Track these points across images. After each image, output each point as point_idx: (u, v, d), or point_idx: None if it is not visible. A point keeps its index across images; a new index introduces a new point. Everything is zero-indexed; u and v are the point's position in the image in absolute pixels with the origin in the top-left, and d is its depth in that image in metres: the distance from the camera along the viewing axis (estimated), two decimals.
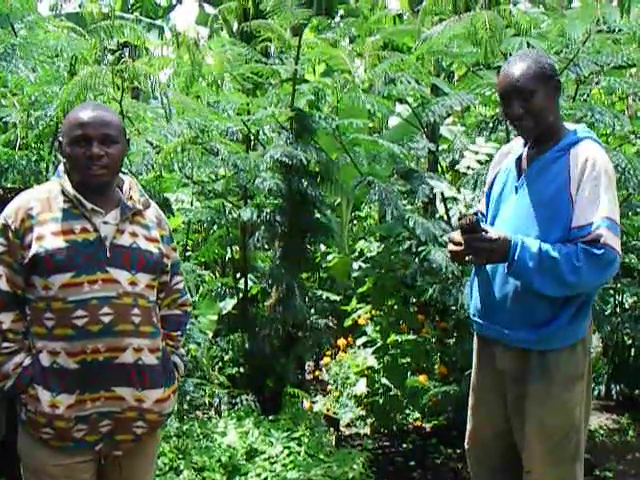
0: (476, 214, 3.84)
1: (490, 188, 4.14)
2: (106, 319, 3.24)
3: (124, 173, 3.59)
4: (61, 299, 3.22)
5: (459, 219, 3.80)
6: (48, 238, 3.24)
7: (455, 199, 6.69)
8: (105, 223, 3.34)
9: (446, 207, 7.23)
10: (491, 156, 4.17)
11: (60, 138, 3.41)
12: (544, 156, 3.84)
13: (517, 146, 4.08)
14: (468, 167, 6.20)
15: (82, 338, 3.22)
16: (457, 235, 3.85)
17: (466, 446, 4.28)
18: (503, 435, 4.06)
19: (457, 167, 6.47)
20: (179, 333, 3.69)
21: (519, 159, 3.98)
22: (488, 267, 3.94)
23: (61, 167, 3.46)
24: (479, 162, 6.15)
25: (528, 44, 5.97)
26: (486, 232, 3.75)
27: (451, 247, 3.91)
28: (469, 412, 4.24)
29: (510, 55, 6.14)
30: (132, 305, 3.32)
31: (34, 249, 3.22)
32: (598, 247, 3.63)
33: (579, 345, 3.87)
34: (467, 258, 3.89)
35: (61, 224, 3.28)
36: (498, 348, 3.97)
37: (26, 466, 3.38)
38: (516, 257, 3.69)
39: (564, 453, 3.87)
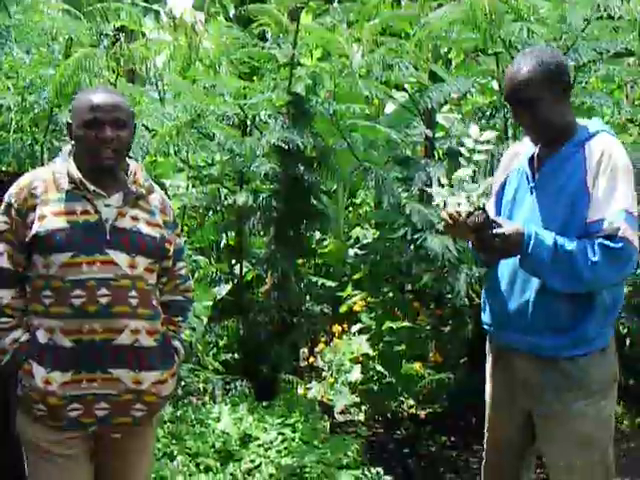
0: (484, 210, 3.67)
1: (501, 191, 3.98)
2: (103, 300, 3.26)
3: (130, 157, 3.59)
4: (60, 278, 3.25)
5: (467, 216, 3.63)
6: (49, 218, 3.27)
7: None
8: (107, 206, 3.36)
9: None
10: (489, 152, 4.03)
11: (69, 120, 3.43)
12: (559, 154, 3.70)
13: (526, 146, 3.93)
14: (467, 175, 6.13)
15: (78, 317, 3.24)
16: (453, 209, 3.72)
17: (483, 464, 4.14)
18: (520, 449, 3.95)
19: (455, 176, 6.39)
20: (180, 319, 3.70)
21: (532, 159, 3.83)
22: (506, 273, 3.79)
23: (66, 149, 3.48)
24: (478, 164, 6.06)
25: (528, 30, 5.93)
26: (498, 225, 3.59)
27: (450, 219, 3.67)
28: (486, 427, 4.08)
29: (510, 42, 6.11)
30: (130, 287, 3.34)
31: (35, 228, 3.26)
32: (616, 241, 3.48)
33: (608, 349, 3.77)
34: (481, 256, 3.83)
35: (63, 205, 3.31)
36: (518, 358, 3.80)
37: (23, 441, 3.42)
38: (530, 250, 3.54)
39: (604, 465, 3.79)
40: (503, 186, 3.95)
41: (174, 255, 3.62)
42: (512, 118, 3.86)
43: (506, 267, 3.80)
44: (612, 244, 3.49)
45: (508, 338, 3.84)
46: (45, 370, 3.25)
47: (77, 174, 3.34)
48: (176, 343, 3.60)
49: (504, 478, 4.08)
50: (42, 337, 3.27)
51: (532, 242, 3.55)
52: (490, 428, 4.08)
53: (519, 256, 3.62)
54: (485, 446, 4.12)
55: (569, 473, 3.75)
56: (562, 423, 3.72)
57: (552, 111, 3.65)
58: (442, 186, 3.75)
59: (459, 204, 3.63)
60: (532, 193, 3.77)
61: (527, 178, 3.81)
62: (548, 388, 3.73)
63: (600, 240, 3.50)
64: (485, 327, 4.00)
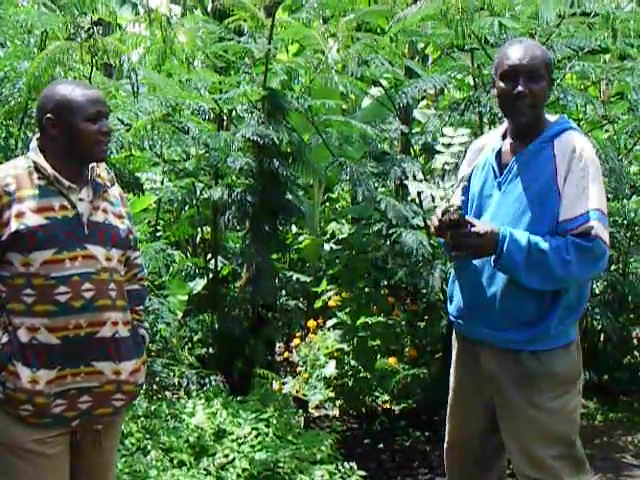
0: (460, 208, 3.70)
1: (467, 185, 3.96)
2: (87, 295, 3.28)
3: None
4: (43, 276, 3.23)
5: (442, 214, 3.66)
6: (28, 215, 3.24)
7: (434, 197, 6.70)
8: (81, 200, 3.37)
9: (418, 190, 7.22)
10: (464, 144, 4.00)
11: (49, 115, 3.36)
12: (527, 148, 3.72)
13: (492, 140, 3.95)
14: (445, 163, 6.11)
15: (65, 314, 3.24)
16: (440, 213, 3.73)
17: (445, 446, 4.18)
18: (482, 436, 3.98)
19: (433, 166, 6.40)
20: (141, 307, 3.74)
21: (498, 153, 3.85)
22: (474, 266, 3.81)
23: (34, 144, 3.44)
24: (454, 154, 6.06)
25: (501, 25, 5.93)
26: (472, 225, 3.62)
27: (435, 223, 3.75)
28: (448, 411, 4.12)
29: (485, 38, 6.12)
30: (109, 280, 3.37)
31: (14, 226, 3.22)
32: (589, 239, 3.53)
33: (572, 345, 3.78)
34: (453, 253, 3.75)
35: (40, 201, 3.28)
36: (484, 350, 3.83)
37: (0, 442, 3.35)
38: (504, 250, 3.57)
39: (572, 459, 3.79)
40: (469, 180, 3.96)
41: (133, 245, 3.67)
42: (500, 92, 3.75)
43: (474, 261, 3.82)
44: (585, 243, 3.54)
45: (473, 330, 3.89)
46: (31, 370, 3.23)
47: (50, 170, 3.32)
48: (142, 331, 3.65)
49: (466, 468, 4.11)
50: (24, 336, 3.24)
51: (506, 242, 3.57)
52: (451, 416, 4.13)
53: (493, 256, 3.64)
54: (447, 436, 4.16)
55: (533, 467, 3.78)
56: (524, 417, 3.75)
57: (544, 94, 3.73)
58: (420, 181, 3.77)
59: (438, 198, 3.66)
60: (500, 188, 3.79)
61: (494, 173, 3.83)
62: (510, 381, 3.76)
63: (573, 239, 3.54)
64: (452, 318, 4.04)
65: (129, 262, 3.64)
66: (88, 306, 3.28)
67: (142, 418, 5.56)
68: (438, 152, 3.86)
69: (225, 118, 7.16)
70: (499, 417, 3.85)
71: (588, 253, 3.55)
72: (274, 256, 7.30)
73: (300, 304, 7.28)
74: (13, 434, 3.31)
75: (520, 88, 3.64)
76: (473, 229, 3.62)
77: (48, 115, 3.36)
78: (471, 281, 3.86)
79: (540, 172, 3.66)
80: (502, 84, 3.73)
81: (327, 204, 10.97)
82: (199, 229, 7.75)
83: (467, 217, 3.69)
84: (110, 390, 3.37)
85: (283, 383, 7.91)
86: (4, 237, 3.23)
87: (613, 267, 7.93)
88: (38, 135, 3.46)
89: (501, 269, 3.67)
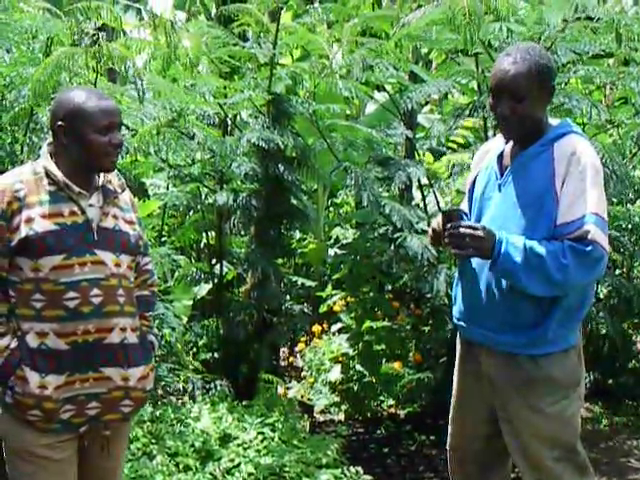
0: (458, 209, 3.71)
1: (472, 189, 4.00)
2: (96, 300, 3.28)
3: None
4: (52, 281, 3.24)
5: (443, 213, 3.68)
6: (38, 221, 3.24)
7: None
8: (91, 206, 3.37)
9: (423, 194, 7.22)
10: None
11: (61, 123, 3.35)
12: (527, 151, 3.70)
13: (497, 143, 3.94)
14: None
15: (74, 319, 3.25)
16: (436, 222, 3.78)
17: (447, 447, 4.17)
18: (485, 439, 3.98)
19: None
20: (151, 313, 3.75)
21: (500, 156, 3.84)
22: (473, 267, 3.80)
23: (44, 149, 3.44)
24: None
25: (507, 30, 5.93)
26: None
27: (431, 232, 3.83)
28: (451, 414, 4.11)
29: (489, 42, 6.12)
30: (118, 286, 3.38)
31: (24, 232, 3.22)
32: (585, 244, 3.49)
33: (572, 350, 3.76)
34: (453, 251, 3.71)
35: (49, 207, 3.28)
36: (483, 352, 3.84)
37: (9, 447, 3.38)
38: (501, 253, 3.55)
39: (573, 463, 3.77)
40: (473, 183, 3.98)
41: (143, 250, 3.68)
42: (491, 106, 3.74)
43: (473, 263, 3.81)
44: (582, 247, 3.51)
45: (473, 332, 3.89)
46: (39, 375, 3.24)
47: (61, 176, 3.32)
48: (151, 337, 3.65)
49: (469, 471, 4.10)
50: (32, 341, 3.25)
51: (503, 245, 3.56)
52: (454, 418, 4.12)
53: (490, 260, 3.62)
54: (449, 438, 4.15)
55: (535, 470, 3.79)
56: (523, 420, 3.76)
57: (534, 109, 3.65)
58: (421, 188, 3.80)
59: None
60: (500, 190, 3.79)
61: (495, 175, 3.83)
62: (509, 385, 3.76)
63: (570, 243, 3.52)
64: (455, 320, 4.04)
65: (139, 268, 3.65)
66: (96, 312, 3.28)
67: (148, 423, 5.57)
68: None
69: (230, 123, 7.17)
70: (500, 419, 3.85)
71: (585, 257, 3.52)
72: (279, 261, 7.29)
73: (305, 309, 7.28)
74: (21, 438, 3.32)
75: (499, 110, 3.66)
76: (472, 223, 3.66)
77: (60, 122, 3.35)
78: (471, 283, 3.86)
79: (538, 174, 3.65)
80: (490, 99, 3.75)
81: (331, 209, 10.98)
82: (204, 234, 7.76)
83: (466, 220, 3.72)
84: (118, 396, 3.38)
85: (288, 388, 7.91)
86: (14, 242, 3.24)
87: (618, 271, 7.92)
88: (49, 140, 3.46)
89: (498, 273, 3.67)
